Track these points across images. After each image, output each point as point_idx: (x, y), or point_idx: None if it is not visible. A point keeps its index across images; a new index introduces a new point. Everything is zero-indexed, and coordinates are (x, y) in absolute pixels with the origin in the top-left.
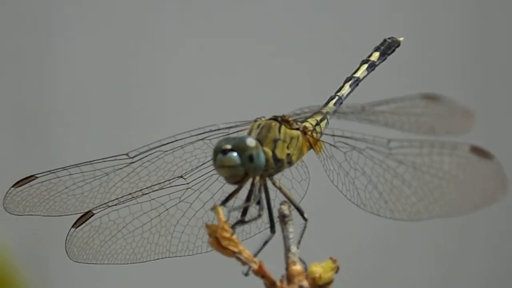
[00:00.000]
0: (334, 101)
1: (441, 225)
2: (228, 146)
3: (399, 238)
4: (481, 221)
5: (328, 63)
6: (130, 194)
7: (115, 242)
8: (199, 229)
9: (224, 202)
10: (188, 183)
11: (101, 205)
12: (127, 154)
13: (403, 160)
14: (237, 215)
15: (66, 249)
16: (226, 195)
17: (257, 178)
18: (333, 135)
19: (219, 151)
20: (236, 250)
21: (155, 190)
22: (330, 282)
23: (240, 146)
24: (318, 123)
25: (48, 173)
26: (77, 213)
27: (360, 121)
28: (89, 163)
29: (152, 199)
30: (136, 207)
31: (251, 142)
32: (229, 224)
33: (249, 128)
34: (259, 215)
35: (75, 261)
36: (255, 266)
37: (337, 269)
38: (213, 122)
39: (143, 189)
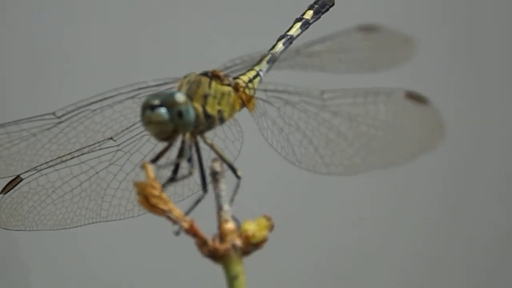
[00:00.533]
0: (267, 58)
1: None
2: (156, 102)
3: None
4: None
5: (262, 22)
6: (59, 157)
7: (45, 207)
8: (130, 192)
9: (154, 160)
10: (118, 145)
11: (29, 169)
12: (53, 114)
13: (337, 111)
14: (167, 173)
15: None
16: (156, 153)
17: (188, 134)
18: (265, 90)
19: (147, 107)
20: (166, 208)
21: (84, 153)
22: (264, 240)
23: (168, 102)
24: (251, 80)
25: None
26: (5, 177)
27: (294, 68)
28: (14, 123)
29: (82, 162)
30: (66, 171)
31: (180, 97)
32: (159, 182)
33: (178, 84)
34: (190, 173)
35: (3, 228)
36: (186, 225)
37: (271, 227)
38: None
39: (72, 152)
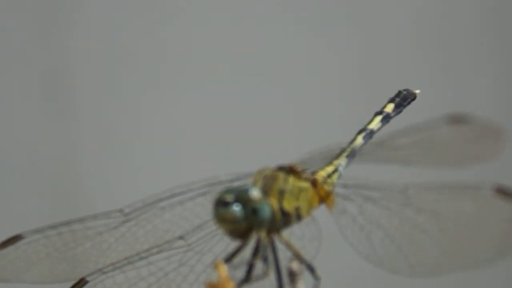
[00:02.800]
0: (346, 153)
1: None
2: (230, 198)
3: None
4: None
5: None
6: (126, 258)
7: None
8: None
9: (227, 259)
10: (189, 245)
11: (94, 272)
12: (120, 211)
13: (422, 207)
14: (241, 273)
15: None
16: (230, 251)
17: (263, 232)
18: (345, 185)
19: (220, 204)
20: None
21: (153, 254)
22: None
23: (243, 198)
24: (329, 175)
25: (34, 232)
26: (69, 281)
27: (375, 161)
28: (79, 220)
29: (150, 264)
30: (133, 273)
31: (255, 193)
32: (233, 283)
33: (253, 179)
34: (266, 274)
35: None
36: None
37: None
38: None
39: (140, 253)
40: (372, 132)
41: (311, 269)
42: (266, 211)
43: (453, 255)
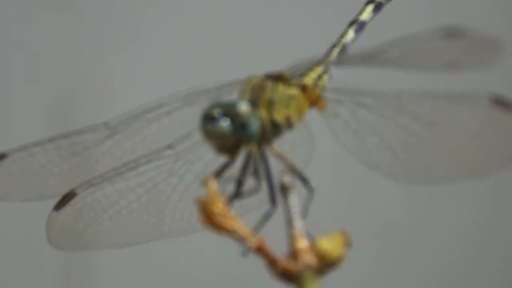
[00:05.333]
0: (337, 49)
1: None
2: (217, 113)
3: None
4: None
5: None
6: (114, 169)
7: (101, 224)
8: (193, 205)
9: (217, 174)
10: (177, 154)
11: (83, 183)
12: (106, 124)
13: (417, 116)
14: (232, 189)
15: (46, 236)
16: (220, 165)
17: (253, 146)
18: (336, 89)
19: (207, 119)
20: (232, 227)
21: (141, 164)
22: (341, 259)
23: (231, 112)
24: (320, 77)
25: (18, 151)
26: (57, 197)
27: (368, 66)
28: (64, 136)
29: (139, 175)
30: (122, 184)
31: (243, 107)
32: (223, 199)
33: (240, 89)
34: (258, 189)
35: (57, 249)
36: (254, 244)
37: (349, 244)
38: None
39: (129, 163)
40: (363, 24)
41: (304, 180)
42: (255, 125)
43: (449, 164)
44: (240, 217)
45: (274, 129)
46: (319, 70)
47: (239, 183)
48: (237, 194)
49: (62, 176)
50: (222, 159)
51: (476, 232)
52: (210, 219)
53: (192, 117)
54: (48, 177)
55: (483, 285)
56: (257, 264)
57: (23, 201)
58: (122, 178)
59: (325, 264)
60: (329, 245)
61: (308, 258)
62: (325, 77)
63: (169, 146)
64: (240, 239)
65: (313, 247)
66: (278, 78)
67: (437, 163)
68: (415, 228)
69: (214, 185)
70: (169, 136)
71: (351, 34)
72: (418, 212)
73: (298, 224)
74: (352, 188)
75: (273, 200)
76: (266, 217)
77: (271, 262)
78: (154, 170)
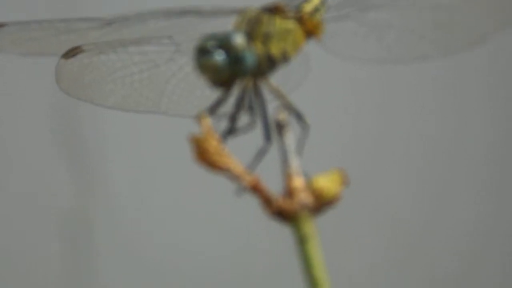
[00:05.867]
0: None
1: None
2: (212, 46)
3: None
4: None
5: None
6: (118, 40)
7: (106, 84)
8: (190, 93)
9: (211, 110)
10: (177, 44)
11: (90, 44)
12: (101, 19)
13: None
14: (226, 125)
15: (56, 79)
16: (214, 101)
17: (248, 80)
18: (339, 8)
19: (201, 52)
20: (226, 165)
21: (143, 42)
22: (338, 197)
23: (226, 45)
24: (318, 9)
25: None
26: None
27: None
28: (61, 20)
29: (142, 53)
30: (126, 57)
31: (239, 39)
32: (217, 136)
33: (236, 21)
34: (252, 125)
35: (65, 93)
36: (249, 183)
37: (346, 182)
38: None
39: (132, 39)
40: None
41: (299, 117)
42: (251, 58)
43: (488, 16)
44: (235, 154)
45: (270, 63)
46: (315, 1)
47: (234, 119)
48: (232, 130)
49: (60, 44)
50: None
51: (483, 227)
52: (203, 157)
53: (189, 23)
54: (46, 43)
55: (489, 280)
56: (258, 265)
57: (22, 56)
58: (126, 51)
59: (322, 203)
60: (326, 183)
61: (304, 197)
62: (323, 9)
63: (169, 36)
64: (234, 177)
65: (309, 186)
66: (274, 10)
67: (474, 22)
68: (423, 222)
69: (207, 122)
70: (170, 31)
71: None
72: (426, 206)
73: (294, 162)
74: (357, 182)
75: (268, 137)
76: (261, 154)
77: (266, 201)
78: (155, 53)
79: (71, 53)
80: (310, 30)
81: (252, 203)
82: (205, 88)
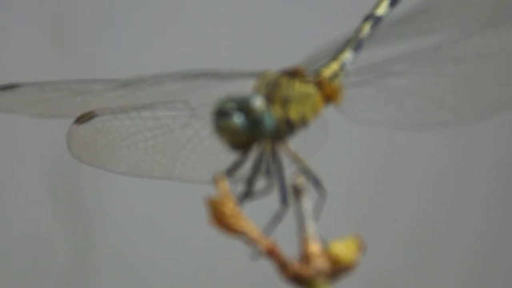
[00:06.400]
0: (353, 45)
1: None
2: (231, 108)
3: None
4: None
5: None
6: (132, 106)
7: (118, 150)
8: (205, 158)
9: (228, 172)
10: (193, 109)
11: (103, 108)
12: (116, 81)
13: (462, 57)
14: (243, 188)
15: (67, 146)
16: (231, 164)
17: (266, 144)
18: (358, 73)
19: (220, 113)
20: (242, 229)
21: (158, 107)
22: (354, 265)
23: (245, 107)
24: (337, 75)
25: (32, 85)
26: (71, 118)
27: (387, 41)
28: (78, 82)
29: (156, 118)
30: (139, 121)
31: (258, 102)
32: (234, 198)
33: (254, 85)
34: (270, 188)
35: (76, 159)
36: (265, 247)
37: (363, 249)
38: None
39: (146, 104)
40: (380, 19)
41: (316, 182)
42: (269, 122)
43: (503, 86)
44: (251, 218)
45: (288, 127)
46: (335, 66)
47: (251, 182)
48: (248, 194)
49: (74, 106)
50: (234, 155)
51: (487, 232)
52: (220, 220)
53: (208, 84)
54: (60, 105)
55: (495, 284)
56: (259, 269)
57: (35, 117)
58: (140, 116)
59: (338, 269)
60: (342, 249)
61: (321, 263)
62: (342, 75)
63: (184, 102)
64: (250, 241)
65: (326, 251)
66: (294, 74)
67: (492, 89)
68: (428, 230)
69: (225, 184)
70: (185, 95)
71: (367, 29)
72: (431, 214)
73: (311, 227)
74: (365, 192)
75: (284, 201)
76: (277, 218)
77: (282, 266)
78: (170, 118)
79: (83, 118)
80: (329, 95)
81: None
82: (220, 154)
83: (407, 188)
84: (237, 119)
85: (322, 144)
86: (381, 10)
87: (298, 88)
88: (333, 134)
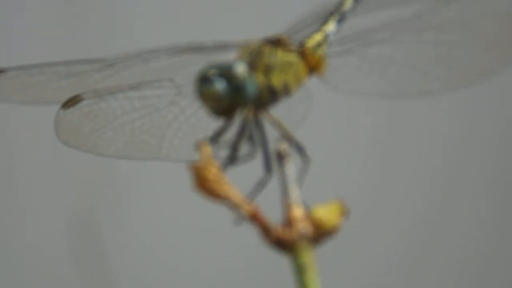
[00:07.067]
0: (336, 17)
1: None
2: (213, 74)
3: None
4: None
5: None
6: (118, 86)
7: (106, 132)
8: (192, 136)
9: (212, 139)
10: (179, 86)
11: (89, 91)
12: (103, 60)
13: (443, 25)
14: (226, 155)
15: (55, 130)
16: (214, 130)
17: (249, 111)
18: (342, 42)
19: (203, 80)
20: (225, 194)
21: (143, 86)
22: (337, 228)
23: (227, 74)
24: (320, 45)
25: (18, 68)
26: (58, 103)
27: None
28: (64, 63)
29: (143, 98)
30: (126, 103)
31: (240, 68)
32: (217, 164)
33: (238, 53)
34: (252, 155)
35: (65, 144)
36: (248, 212)
37: (346, 213)
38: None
39: (132, 84)
40: None
41: (300, 150)
42: (251, 88)
43: (485, 54)
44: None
45: (271, 95)
46: (318, 37)
47: (234, 148)
48: (232, 159)
49: (60, 89)
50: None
51: (490, 235)
52: (203, 185)
53: (189, 61)
54: (46, 89)
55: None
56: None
57: (23, 104)
58: (126, 97)
59: (321, 233)
60: (326, 214)
61: (304, 227)
62: (324, 46)
63: (170, 80)
64: (233, 206)
65: (309, 216)
66: (276, 43)
67: (475, 57)
68: (430, 231)
69: (207, 150)
70: (170, 72)
71: (350, 2)
72: (432, 214)
73: (294, 193)
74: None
75: (268, 167)
76: (261, 184)
77: (265, 230)
78: (156, 97)
79: (70, 102)
80: (313, 65)
81: (250, 230)
82: (207, 131)
83: (408, 189)
84: (219, 85)
85: (307, 116)
86: None
87: (281, 56)
88: (335, 132)
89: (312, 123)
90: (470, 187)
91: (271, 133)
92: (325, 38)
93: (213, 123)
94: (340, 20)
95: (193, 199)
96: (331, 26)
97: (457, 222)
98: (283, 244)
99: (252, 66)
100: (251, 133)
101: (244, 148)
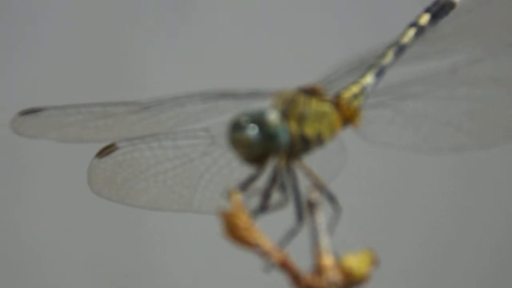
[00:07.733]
0: (375, 70)
1: None
2: (245, 121)
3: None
4: None
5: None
6: (152, 134)
7: (138, 182)
8: (224, 188)
9: (243, 186)
10: (212, 137)
11: (123, 140)
12: (137, 103)
13: (477, 79)
14: (257, 203)
15: (88, 181)
16: (246, 178)
17: (281, 159)
18: (376, 92)
19: (235, 127)
20: (255, 241)
21: (179, 136)
22: (367, 277)
23: (259, 121)
24: (356, 96)
25: (54, 108)
26: (94, 142)
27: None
28: (99, 104)
29: (176, 147)
30: (160, 152)
31: (272, 115)
32: (247, 212)
33: (272, 101)
34: (283, 204)
35: (96, 194)
36: (278, 259)
37: (376, 263)
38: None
39: (167, 132)
40: (404, 47)
41: (331, 199)
42: (284, 136)
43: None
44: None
45: (303, 144)
46: (355, 89)
47: (265, 196)
48: (263, 207)
49: (97, 129)
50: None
51: (504, 255)
52: (233, 232)
53: (227, 107)
54: (83, 128)
55: None
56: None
57: (62, 141)
58: (161, 146)
59: (350, 282)
60: (356, 262)
61: (333, 275)
62: (362, 98)
63: (205, 129)
64: (263, 253)
65: (339, 264)
66: (311, 92)
67: (508, 114)
68: (445, 250)
69: (238, 197)
70: (203, 121)
71: (390, 56)
72: (447, 234)
73: (324, 241)
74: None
75: (299, 216)
76: (292, 233)
77: (295, 278)
78: (190, 147)
79: (105, 151)
80: (347, 117)
81: (281, 278)
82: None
83: (423, 209)
84: (251, 132)
85: (341, 168)
86: (406, 38)
87: (315, 105)
88: (350, 154)
89: (344, 172)
90: (486, 205)
91: (303, 182)
92: (362, 90)
93: (245, 175)
94: (379, 74)
95: (224, 246)
96: (369, 79)
97: (472, 240)
98: None
99: (286, 114)
100: (283, 182)
101: (275, 197)
